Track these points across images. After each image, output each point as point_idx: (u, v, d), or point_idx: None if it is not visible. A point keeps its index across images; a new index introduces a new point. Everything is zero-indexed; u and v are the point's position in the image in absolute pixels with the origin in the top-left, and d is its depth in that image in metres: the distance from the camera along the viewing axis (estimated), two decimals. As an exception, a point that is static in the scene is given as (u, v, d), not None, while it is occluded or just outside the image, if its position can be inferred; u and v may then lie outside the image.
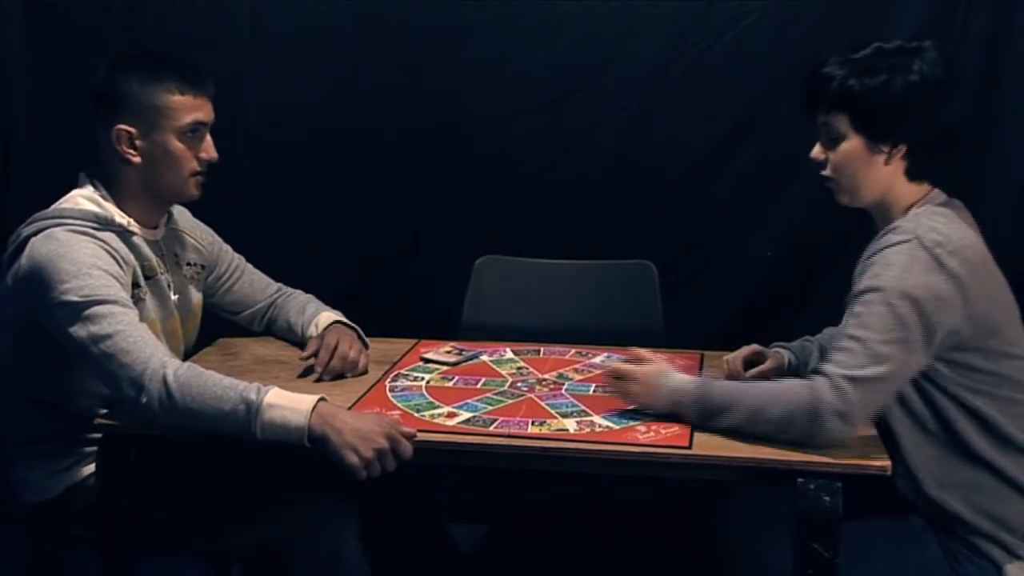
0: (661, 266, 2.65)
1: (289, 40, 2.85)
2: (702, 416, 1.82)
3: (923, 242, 1.76)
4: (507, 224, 2.86)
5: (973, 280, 1.76)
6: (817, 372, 1.78)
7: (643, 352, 1.99)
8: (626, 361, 1.96)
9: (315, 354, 2.11)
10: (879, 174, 1.86)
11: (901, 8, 2.66)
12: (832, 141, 1.88)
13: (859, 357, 1.74)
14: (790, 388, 1.79)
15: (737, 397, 1.81)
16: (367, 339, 2.24)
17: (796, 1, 2.72)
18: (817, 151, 1.91)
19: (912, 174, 1.86)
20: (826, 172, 1.90)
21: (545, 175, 2.87)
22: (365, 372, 2.14)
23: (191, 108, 2.00)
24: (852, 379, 1.73)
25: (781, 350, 2.11)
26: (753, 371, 2.06)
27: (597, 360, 2.25)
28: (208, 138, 2.05)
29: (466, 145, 2.88)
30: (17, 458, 2.07)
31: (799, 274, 2.83)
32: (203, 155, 2.04)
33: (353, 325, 2.25)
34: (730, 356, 2.11)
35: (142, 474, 1.89)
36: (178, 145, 2.00)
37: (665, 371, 1.90)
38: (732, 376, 2.07)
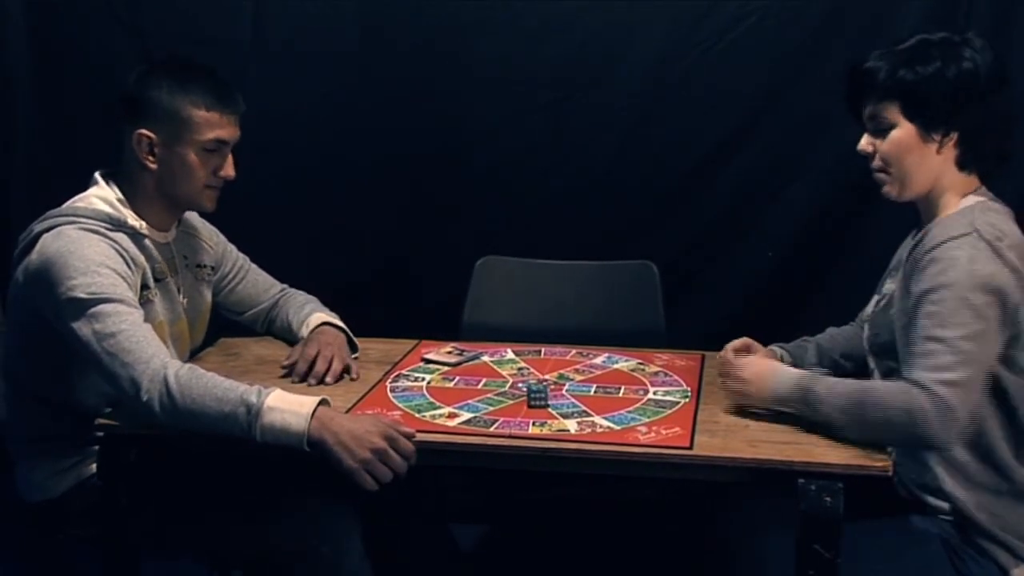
0: (662, 266, 2.65)
1: (290, 40, 2.85)
2: (806, 413, 1.81)
3: (982, 235, 1.75)
4: (508, 224, 2.86)
5: None
6: (906, 379, 1.74)
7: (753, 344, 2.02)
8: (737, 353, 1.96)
9: (294, 363, 2.11)
10: (930, 163, 1.85)
11: (902, 8, 2.66)
12: (882, 132, 1.87)
13: (947, 359, 1.71)
14: (892, 391, 1.75)
15: (838, 394, 1.78)
16: (357, 342, 2.24)
17: (798, 1, 2.72)
18: (864, 143, 1.90)
19: (962, 164, 1.86)
20: (876, 164, 1.90)
21: (546, 175, 2.87)
22: (354, 377, 2.12)
23: (215, 125, 2.00)
24: (947, 383, 1.70)
25: (775, 348, 2.11)
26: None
27: (598, 361, 2.25)
28: (229, 156, 2.05)
29: (467, 145, 2.87)
30: (21, 457, 2.07)
31: (800, 274, 2.83)
32: (220, 172, 2.04)
33: (344, 327, 2.25)
34: (720, 353, 2.11)
35: (143, 474, 1.90)
36: (196, 159, 2.01)
37: (775, 369, 1.89)
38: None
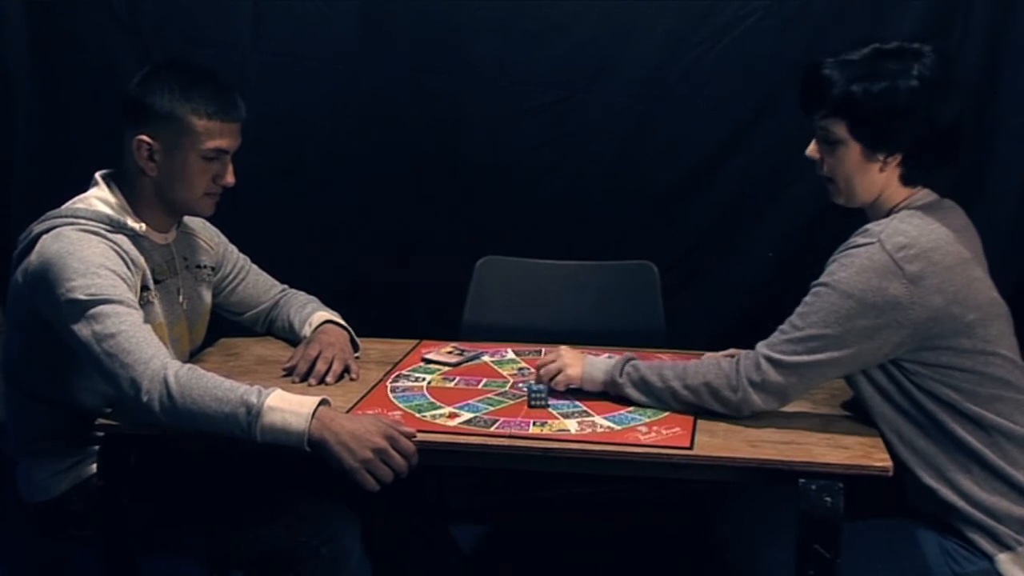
0: (662, 266, 2.65)
1: (290, 40, 2.85)
2: (636, 381, 1.93)
3: (885, 246, 1.78)
4: (508, 224, 2.86)
5: (939, 282, 1.77)
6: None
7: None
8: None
9: (296, 364, 2.11)
10: (874, 179, 1.88)
11: (902, 8, 2.66)
12: (830, 145, 1.89)
13: (788, 342, 1.83)
14: (719, 361, 1.90)
15: (664, 365, 1.94)
16: (358, 341, 2.24)
17: (798, 1, 2.72)
18: (812, 149, 1.93)
19: (906, 180, 1.88)
20: (823, 172, 1.93)
21: (546, 175, 2.87)
22: (354, 377, 2.12)
23: (215, 134, 1.99)
24: (772, 360, 1.83)
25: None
26: None
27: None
28: (229, 164, 2.04)
29: (467, 145, 2.87)
30: (21, 457, 2.07)
31: (800, 275, 2.80)
32: (220, 180, 2.03)
33: (346, 326, 2.25)
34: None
35: (143, 474, 1.90)
36: (195, 167, 2.00)
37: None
38: None
